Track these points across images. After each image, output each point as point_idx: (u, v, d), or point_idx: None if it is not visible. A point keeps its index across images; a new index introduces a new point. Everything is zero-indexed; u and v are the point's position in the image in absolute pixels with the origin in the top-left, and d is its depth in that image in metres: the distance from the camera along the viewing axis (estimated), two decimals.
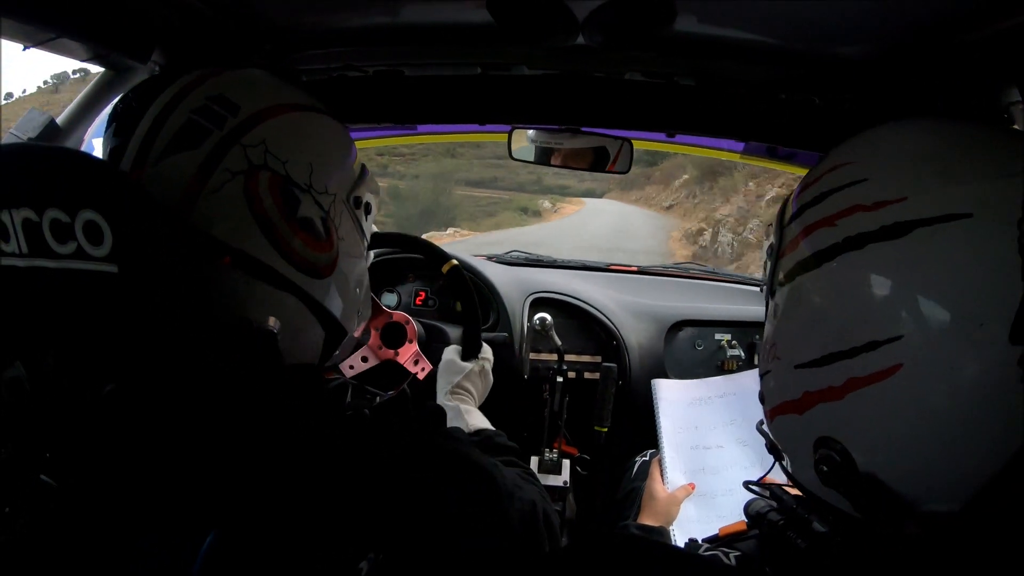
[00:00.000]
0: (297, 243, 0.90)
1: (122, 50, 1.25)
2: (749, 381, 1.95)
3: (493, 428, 1.44)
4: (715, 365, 2.28)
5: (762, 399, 0.93)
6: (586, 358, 2.22)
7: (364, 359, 1.74)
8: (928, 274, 0.66)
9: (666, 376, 2.19)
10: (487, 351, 1.67)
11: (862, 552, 0.76)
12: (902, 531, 0.72)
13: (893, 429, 0.69)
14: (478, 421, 1.45)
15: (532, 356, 2.15)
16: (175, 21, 1.25)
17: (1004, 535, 0.68)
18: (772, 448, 0.93)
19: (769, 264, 0.90)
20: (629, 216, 41.22)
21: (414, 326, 1.81)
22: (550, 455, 1.87)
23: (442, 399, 1.53)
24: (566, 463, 1.89)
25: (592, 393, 2.06)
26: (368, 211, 1.08)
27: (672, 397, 1.95)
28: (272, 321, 0.87)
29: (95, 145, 0.84)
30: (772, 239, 0.91)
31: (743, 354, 2.28)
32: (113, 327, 0.74)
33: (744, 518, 0.98)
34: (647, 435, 2.10)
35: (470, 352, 1.63)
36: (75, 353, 0.76)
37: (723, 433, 1.84)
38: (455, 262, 1.68)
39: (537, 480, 1.26)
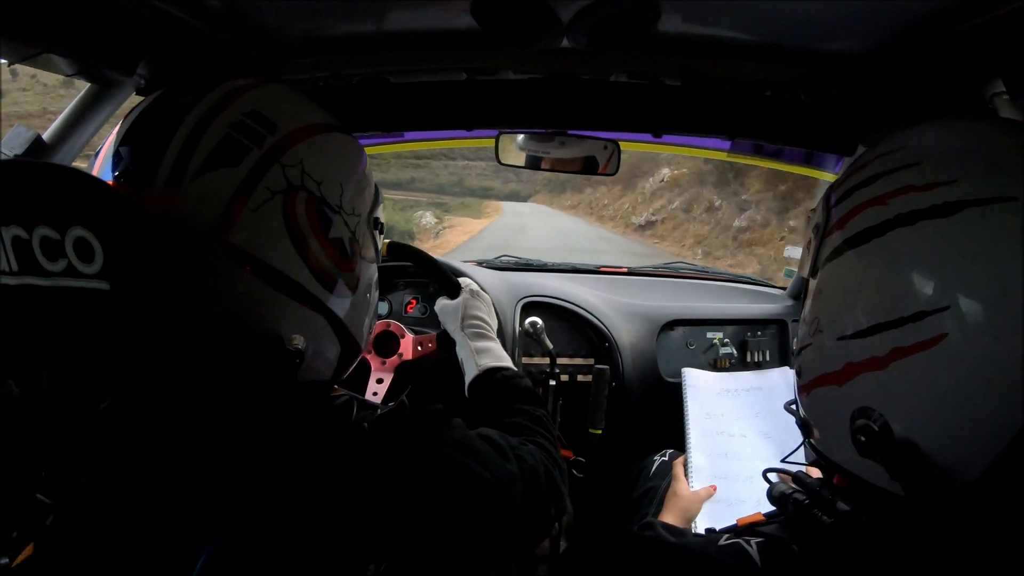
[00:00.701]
0: (328, 262, 0.91)
1: (108, 64, 1.24)
2: (777, 377, 2.00)
3: (509, 367, 1.44)
4: (708, 363, 2.28)
5: (799, 374, 0.95)
6: (578, 361, 2.21)
7: (379, 380, 1.74)
8: (975, 250, 0.69)
9: (659, 376, 2.21)
10: (464, 280, 1.68)
11: (888, 526, 0.79)
12: (935, 499, 0.73)
13: (934, 396, 0.72)
14: (489, 360, 1.45)
15: (524, 360, 2.15)
16: (161, 33, 1.25)
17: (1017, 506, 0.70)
18: (803, 425, 0.96)
19: (813, 244, 0.93)
20: (577, 246, 23.84)
21: (395, 323, 1.82)
22: None
23: (461, 342, 1.52)
24: None
25: (585, 396, 2.06)
26: (382, 230, 1.11)
27: (700, 384, 1.98)
28: (298, 339, 0.88)
29: (117, 155, 0.83)
30: (817, 219, 0.93)
31: (735, 352, 2.29)
32: (107, 344, 0.74)
33: (762, 508, 1.00)
34: (642, 436, 2.11)
35: (452, 289, 1.64)
36: (69, 370, 0.76)
37: (748, 424, 1.87)
38: (387, 241, 1.68)
39: (547, 428, 1.27)
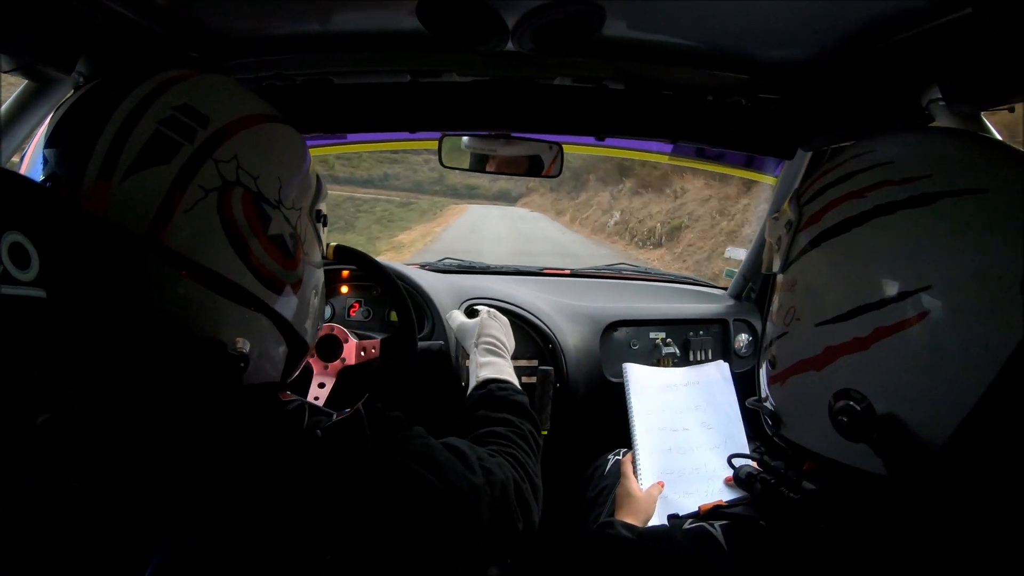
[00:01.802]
0: (268, 261, 0.89)
1: (45, 60, 1.20)
2: (713, 371, 2.07)
3: (506, 380, 1.45)
4: (651, 363, 2.29)
5: (772, 364, 0.97)
6: (523, 362, 2.20)
7: (321, 385, 1.72)
8: (954, 235, 0.75)
9: (604, 377, 2.23)
10: (483, 308, 1.71)
11: (856, 503, 0.82)
12: (914, 474, 0.77)
13: (915, 372, 0.76)
14: (488, 372, 1.47)
15: (468, 362, 2.13)
16: (101, 29, 1.22)
17: (979, 474, 0.75)
18: (772, 417, 0.98)
19: (785, 239, 0.96)
20: None
21: (338, 327, 1.81)
22: None
23: (472, 357, 1.56)
24: None
25: (530, 397, 2.06)
26: (325, 223, 1.08)
27: (643, 380, 2.00)
28: (241, 342, 0.87)
29: (43, 158, 0.80)
30: (789, 217, 0.96)
31: (678, 351, 2.32)
32: (44, 355, 0.71)
33: (710, 500, 1.02)
34: (588, 436, 2.12)
35: (396, 297, 1.62)
36: (6, 382, 0.73)
37: (689, 417, 1.91)
38: (332, 244, 1.67)
39: (527, 442, 1.27)
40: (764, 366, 1.01)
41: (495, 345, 1.57)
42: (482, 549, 1.01)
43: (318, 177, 1.05)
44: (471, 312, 1.69)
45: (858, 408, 0.79)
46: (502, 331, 1.64)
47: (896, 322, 0.76)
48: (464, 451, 1.04)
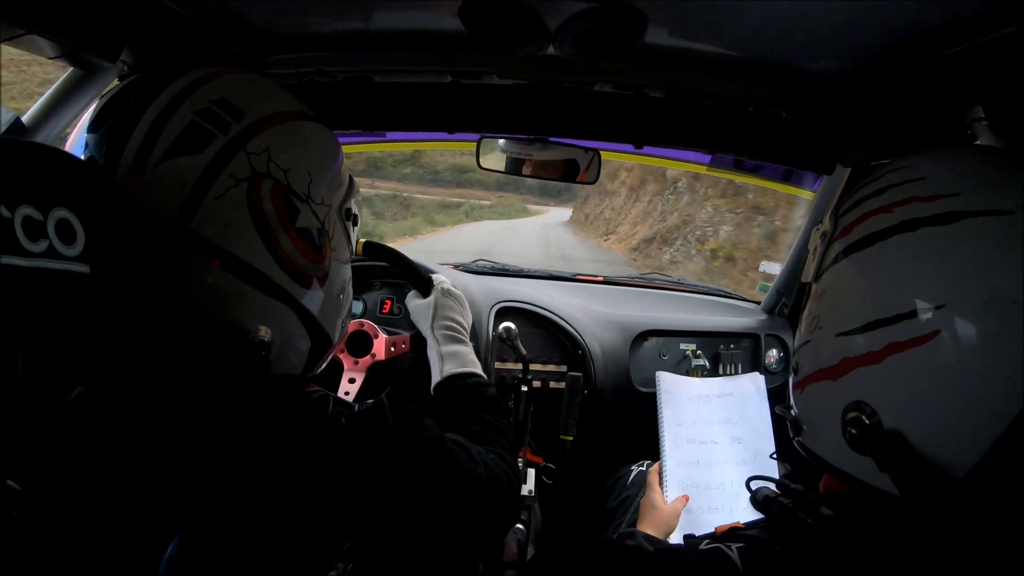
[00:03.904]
0: (294, 253, 0.90)
1: (91, 49, 1.23)
2: (748, 383, 2.04)
3: (474, 372, 1.44)
4: (680, 375, 2.28)
5: (795, 371, 0.99)
6: (551, 367, 2.21)
7: (351, 380, 1.72)
8: (972, 255, 0.75)
9: (632, 386, 2.21)
10: (437, 276, 1.67)
11: (870, 528, 0.81)
12: (922, 492, 0.76)
13: (924, 391, 0.76)
14: (455, 365, 1.44)
15: (497, 365, 2.15)
16: (146, 20, 1.24)
17: (1003, 506, 0.73)
18: (793, 423, 0.99)
19: (819, 249, 0.98)
20: None
21: (368, 322, 1.81)
22: None
23: (431, 343, 1.52)
24: (531, 472, 1.88)
25: (557, 402, 2.06)
26: (356, 222, 1.09)
27: (675, 390, 2.00)
28: (264, 331, 0.88)
29: (84, 143, 0.82)
30: (825, 227, 0.98)
31: (708, 364, 2.30)
32: (84, 329, 0.73)
33: (734, 514, 1.02)
34: (613, 444, 2.11)
35: (424, 287, 1.63)
36: (46, 355, 0.75)
37: (719, 430, 1.90)
38: (361, 239, 1.66)
39: (507, 439, 1.28)
40: (791, 370, 1.02)
41: (454, 329, 1.55)
42: (483, 540, 1.05)
43: (351, 177, 1.07)
44: (424, 290, 1.64)
45: (867, 421, 0.80)
46: (459, 310, 1.61)
47: (908, 339, 0.77)
48: (465, 445, 1.07)
